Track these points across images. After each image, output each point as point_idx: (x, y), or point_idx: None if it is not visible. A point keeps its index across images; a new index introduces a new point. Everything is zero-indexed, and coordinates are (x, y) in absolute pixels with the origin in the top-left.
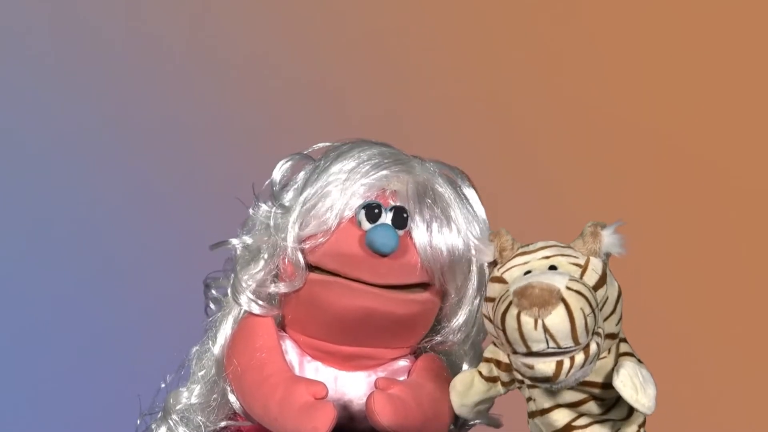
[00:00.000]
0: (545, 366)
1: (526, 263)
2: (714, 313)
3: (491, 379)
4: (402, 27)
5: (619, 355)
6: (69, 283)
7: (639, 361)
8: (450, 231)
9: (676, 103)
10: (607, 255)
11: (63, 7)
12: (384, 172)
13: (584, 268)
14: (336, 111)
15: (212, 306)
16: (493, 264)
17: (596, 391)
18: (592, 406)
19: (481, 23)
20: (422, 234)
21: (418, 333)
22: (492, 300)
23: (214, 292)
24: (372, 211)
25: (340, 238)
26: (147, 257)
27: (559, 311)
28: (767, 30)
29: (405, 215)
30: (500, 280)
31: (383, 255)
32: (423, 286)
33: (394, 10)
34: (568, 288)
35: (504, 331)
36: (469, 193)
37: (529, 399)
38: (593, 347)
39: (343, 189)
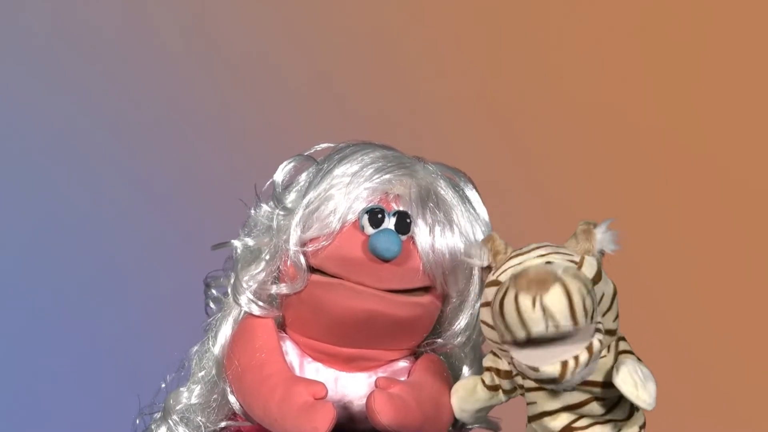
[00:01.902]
0: (551, 368)
1: (520, 264)
2: (711, 310)
3: (493, 388)
4: (404, 28)
5: (618, 354)
6: (69, 283)
7: (638, 359)
8: (452, 234)
9: (674, 102)
10: (601, 253)
11: (63, 7)
12: (387, 176)
13: (580, 265)
14: (338, 112)
15: (212, 306)
16: (488, 269)
17: (598, 390)
18: (594, 407)
19: (483, 24)
20: (425, 238)
21: (419, 335)
22: (489, 305)
23: (214, 291)
24: (375, 216)
25: (342, 242)
26: (147, 257)
27: (557, 289)
28: (765, 30)
29: (408, 220)
30: (496, 283)
31: (386, 260)
32: (425, 289)
33: (395, 11)
34: (565, 271)
35: (503, 316)
36: (471, 194)
37: (530, 403)
38: (596, 343)
39: (347, 192)
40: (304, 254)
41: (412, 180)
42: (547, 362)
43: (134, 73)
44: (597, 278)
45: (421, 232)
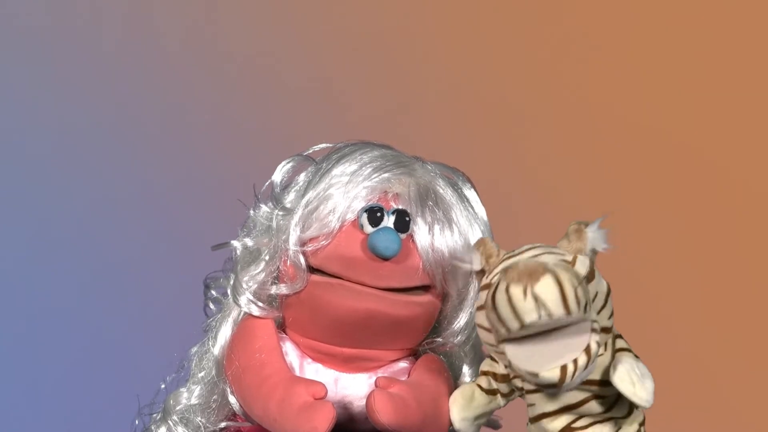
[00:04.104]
0: (550, 373)
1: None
2: (707, 307)
3: (491, 392)
4: (403, 27)
5: (616, 351)
6: (69, 283)
7: (635, 356)
8: (452, 233)
9: (671, 102)
10: (594, 252)
11: (64, 8)
12: (386, 175)
13: (573, 264)
14: (336, 111)
15: (212, 306)
16: (481, 273)
17: (596, 389)
18: (593, 406)
19: (481, 24)
20: (424, 237)
21: (419, 335)
22: (484, 308)
23: (213, 292)
24: (374, 214)
25: (342, 242)
26: (147, 258)
27: (548, 279)
28: (765, 30)
29: (407, 218)
30: (490, 286)
31: (385, 259)
32: (424, 288)
33: (394, 11)
34: (556, 264)
35: (496, 309)
36: (470, 194)
37: (529, 405)
38: (593, 345)
39: (346, 192)
40: (304, 254)
41: (411, 179)
42: (545, 365)
43: (134, 74)
44: (590, 276)
45: (420, 230)
